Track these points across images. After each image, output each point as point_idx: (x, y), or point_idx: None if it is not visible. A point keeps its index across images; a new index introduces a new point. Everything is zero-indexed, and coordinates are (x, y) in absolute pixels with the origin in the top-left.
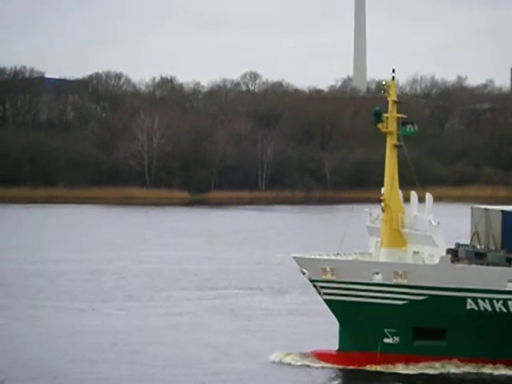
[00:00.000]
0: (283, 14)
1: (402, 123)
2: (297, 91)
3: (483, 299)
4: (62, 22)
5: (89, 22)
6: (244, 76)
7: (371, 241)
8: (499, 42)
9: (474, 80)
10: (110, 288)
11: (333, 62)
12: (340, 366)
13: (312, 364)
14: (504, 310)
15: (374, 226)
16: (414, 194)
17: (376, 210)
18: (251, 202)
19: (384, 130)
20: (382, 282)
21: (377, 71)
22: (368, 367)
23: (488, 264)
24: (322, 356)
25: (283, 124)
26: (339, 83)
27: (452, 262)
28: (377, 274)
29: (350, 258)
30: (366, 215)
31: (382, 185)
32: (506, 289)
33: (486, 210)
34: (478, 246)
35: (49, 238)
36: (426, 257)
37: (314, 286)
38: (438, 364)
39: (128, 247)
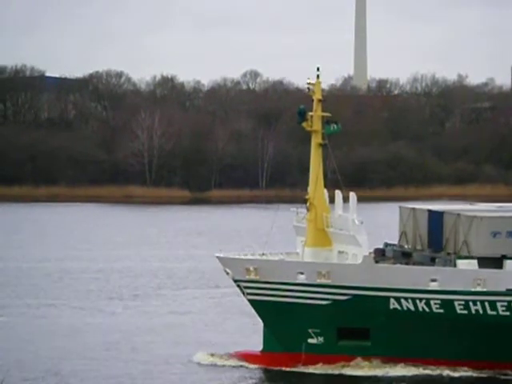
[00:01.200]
0: (284, 13)
1: (325, 122)
2: (297, 90)
3: (406, 299)
4: (62, 20)
5: (89, 21)
6: (244, 75)
7: (298, 240)
8: (500, 40)
9: (475, 79)
10: (115, 287)
11: (333, 61)
12: (264, 367)
13: (235, 365)
14: (427, 309)
15: (301, 225)
16: (338, 194)
17: (303, 209)
18: (251, 201)
19: (309, 128)
20: (305, 282)
21: (377, 70)
22: (292, 368)
23: (414, 264)
24: (245, 357)
25: (284, 123)
26: (340, 82)
27: (377, 261)
28: (301, 273)
29: (275, 258)
30: (293, 215)
31: (382, 183)
32: (429, 288)
33: (413, 209)
34: (406, 246)
35: (51, 237)
36: (350, 256)
37: (238, 286)
38: (362, 364)
39: (131, 246)
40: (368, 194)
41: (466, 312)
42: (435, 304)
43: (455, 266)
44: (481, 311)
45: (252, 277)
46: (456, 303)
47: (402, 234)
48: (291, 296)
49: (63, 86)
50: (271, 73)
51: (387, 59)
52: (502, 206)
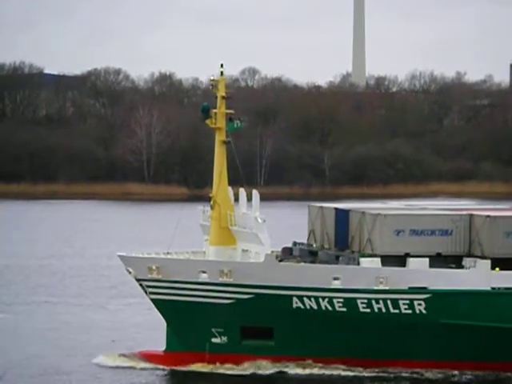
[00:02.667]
0: (282, 11)
1: (229, 119)
2: (296, 87)
3: (309, 297)
4: (61, 17)
5: (88, 18)
6: (243, 72)
7: (204, 239)
8: (498, 37)
9: (473, 76)
10: (114, 284)
11: (332, 58)
12: (167, 367)
13: (138, 365)
14: (330, 308)
15: (207, 224)
16: (242, 192)
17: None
18: (250, 199)
19: (212, 125)
20: (208, 280)
21: (376, 67)
22: (196, 367)
23: (319, 262)
24: (149, 357)
25: (282, 120)
26: (338, 79)
27: (281, 260)
28: (203, 272)
29: (180, 257)
30: (200, 213)
31: (381, 181)
32: (331, 287)
33: (321, 207)
34: (314, 245)
35: (50, 234)
36: (253, 255)
37: (141, 285)
38: (266, 363)
39: (130, 242)
40: (366, 191)
41: (368, 310)
42: (338, 302)
43: (359, 264)
44: (383, 309)
45: (154, 276)
46: (359, 301)
47: (311, 232)
48: (194, 295)
49: (61, 83)
50: (269, 70)
51: (385, 56)
52: (410, 204)
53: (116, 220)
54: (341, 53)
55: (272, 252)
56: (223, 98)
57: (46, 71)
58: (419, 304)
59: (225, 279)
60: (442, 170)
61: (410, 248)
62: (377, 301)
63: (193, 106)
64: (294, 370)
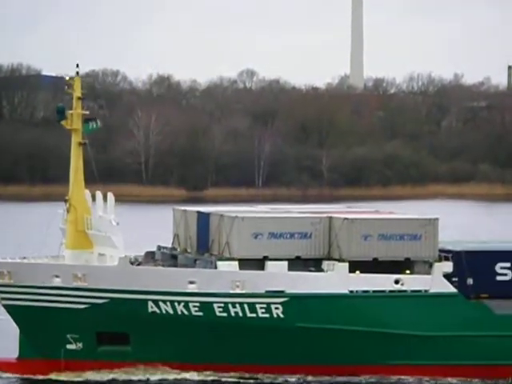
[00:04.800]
0: (280, 12)
1: (85, 120)
2: (294, 89)
3: (164, 302)
4: (58, 19)
5: (85, 19)
6: (241, 74)
7: (61, 243)
8: (496, 40)
9: (471, 78)
10: None
11: (330, 60)
12: (20, 375)
13: None
14: (186, 312)
15: (66, 227)
16: (98, 194)
17: None
18: (248, 200)
19: (68, 127)
20: (61, 285)
21: (374, 69)
22: (51, 375)
23: (179, 266)
24: (0, 365)
25: (280, 121)
26: (336, 81)
27: (139, 264)
28: (56, 277)
29: (38, 261)
30: (60, 217)
31: (379, 182)
32: (187, 291)
33: (185, 211)
34: (178, 248)
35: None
36: (108, 259)
37: None
38: (123, 370)
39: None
40: (364, 192)
41: (225, 314)
42: (194, 307)
43: (216, 267)
44: (240, 313)
45: (6, 281)
46: (215, 306)
47: (175, 236)
48: (47, 300)
49: (59, 84)
50: (267, 72)
51: (383, 58)
52: (275, 208)
53: None
54: (339, 55)
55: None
56: (79, 98)
57: (44, 73)
58: (276, 308)
59: (79, 283)
60: (440, 172)
61: (269, 251)
62: (233, 305)
63: (191, 107)
64: (149, 375)
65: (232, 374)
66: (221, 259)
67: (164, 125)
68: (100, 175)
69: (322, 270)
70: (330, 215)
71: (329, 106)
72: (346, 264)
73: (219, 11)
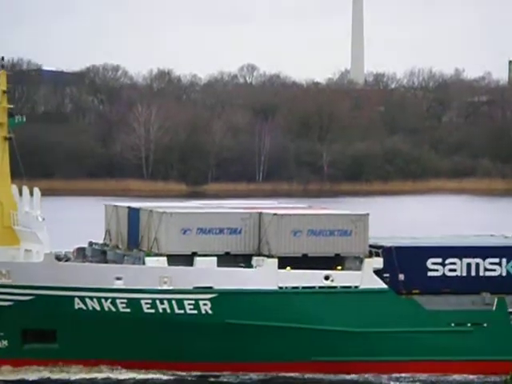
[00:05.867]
0: (281, 7)
1: (10, 114)
2: (294, 84)
3: (91, 298)
4: (59, 14)
5: (86, 14)
6: (241, 68)
7: None
8: (497, 34)
9: (472, 73)
10: None
11: (330, 55)
12: None
13: None
14: (113, 308)
15: None
16: (25, 189)
17: None
18: (248, 195)
19: None
20: None
21: (374, 64)
22: None
23: (108, 262)
24: None
25: (281, 116)
26: (337, 76)
27: (67, 260)
28: None
29: None
30: None
31: (379, 178)
32: (114, 287)
33: (116, 206)
34: (110, 244)
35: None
36: (34, 255)
37: None
38: (50, 367)
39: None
40: (365, 187)
41: (153, 311)
42: (121, 303)
43: (144, 263)
44: (168, 310)
45: None
46: (143, 302)
47: (107, 232)
48: None
49: (60, 79)
50: (268, 67)
51: (384, 53)
52: (207, 203)
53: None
54: (339, 49)
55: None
56: (4, 92)
57: (45, 68)
58: (205, 304)
59: (3, 280)
60: (441, 167)
61: (198, 247)
62: (161, 301)
63: (191, 102)
64: (79, 373)
65: (161, 371)
66: (149, 255)
67: (164, 120)
68: (101, 170)
69: (251, 266)
70: (259, 211)
71: (329, 100)
72: (276, 260)
73: (219, 6)
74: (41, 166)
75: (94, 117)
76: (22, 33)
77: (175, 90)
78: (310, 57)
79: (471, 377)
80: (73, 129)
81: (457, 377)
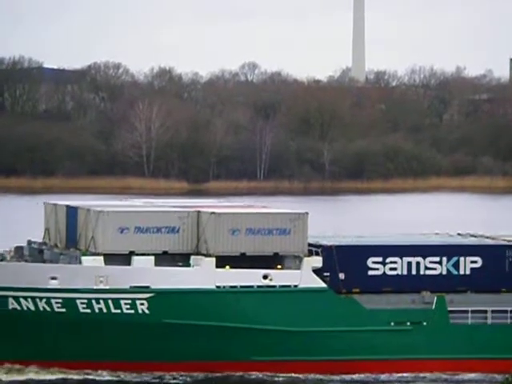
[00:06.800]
0: (282, 4)
1: None
2: (295, 81)
3: (25, 298)
4: (60, 11)
5: (87, 12)
6: (243, 66)
7: None
8: (498, 32)
9: (473, 70)
10: None
11: (331, 53)
12: None
13: None
14: (48, 308)
15: None
16: None
17: None
18: (249, 193)
19: None
20: None
21: (375, 61)
22: None
23: (45, 261)
24: None
25: (282, 114)
26: (338, 73)
27: (1, 259)
28: None
29: None
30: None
31: (380, 175)
32: (49, 287)
33: (55, 205)
34: (49, 243)
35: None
36: None
37: None
38: None
39: None
40: (366, 185)
41: (89, 311)
42: (56, 303)
43: (81, 262)
44: (104, 310)
45: None
46: (78, 302)
47: (46, 230)
48: None
49: (61, 77)
50: (269, 64)
51: (385, 51)
52: (149, 202)
53: None
54: (340, 47)
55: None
56: None
57: (46, 65)
58: (142, 304)
59: None
60: (442, 165)
61: (135, 246)
62: (97, 301)
63: (193, 100)
64: (15, 374)
65: (98, 371)
66: (85, 254)
67: (165, 117)
68: (102, 168)
69: (189, 266)
70: (198, 209)
71: (330, 98)
72: (213, 259)
73: (220, 4)
74: (41, 164)
75: (95, 115)
76: (23, 31)
77: (176, 88)
78: (311, 54)
79: (410, 375)
80: (74, 127)
81: (397, 375)
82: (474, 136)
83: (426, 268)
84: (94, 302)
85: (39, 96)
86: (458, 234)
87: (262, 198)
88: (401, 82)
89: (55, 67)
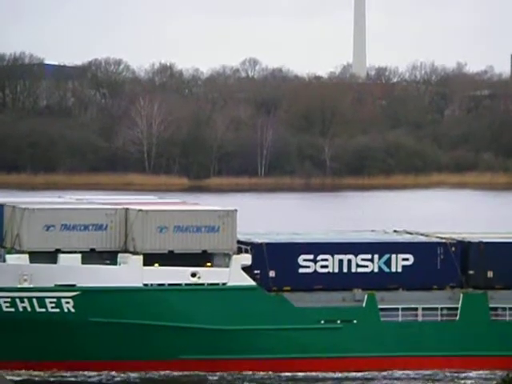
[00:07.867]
0: (283, 0)
1: None
2: (296, 78)
3: None
4: (61, 7)
5: (88, 8)
6: (243, 62)
7: None
8: (499, 28)
9: (474, 66)
10: None
11: (332, 49)
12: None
13: None
14: None
15: None
16: None
17: None
18: (251, 189)
19: None
20: None
21: (376, 58)
22: None
23: None
24: None
25: (283, 110)
26: (339, 70)
27: None
28: None
29: None
30: None
31: (381, 171)
32: None
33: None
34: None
35: None
36: None
37: None
38: None
39: None
40: (367, 181)
41: (13, 310)
42: None
43: (5, 261)
44: (29, 308)
45: None
46: (1, 301)
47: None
48: None
49: (62, 73)
50: (270, 60)
51: (386, 47)
52: (80, 198)
53: None
54: (341, 43)
55: None
56: None
57: (47, 62)
58: (67, 302)
59: None
60: (443, 161)
61: (61, 244)
62: (21, 299)
63: (193, 96)
64: None
65: (23, 371)
66: (10, 252)
67: (166, 114)
68: (103, 164)
69: (117, 263)
70: (126, 207)
71: (331, 94)
72: (141, 257)
73: (221, 0)
74: (43, 160)
75: (96, 111)
76: (23, 27)
77: (177, 84)
78: (312, 51)
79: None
80: (75, 123)
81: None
82: (475, 132)
83: (358, 266)
84: (17, 300)
85: (40, 92)
86: (394, 231)
87: (263, 194)
88: (402, 78)
89: (56, 63)
